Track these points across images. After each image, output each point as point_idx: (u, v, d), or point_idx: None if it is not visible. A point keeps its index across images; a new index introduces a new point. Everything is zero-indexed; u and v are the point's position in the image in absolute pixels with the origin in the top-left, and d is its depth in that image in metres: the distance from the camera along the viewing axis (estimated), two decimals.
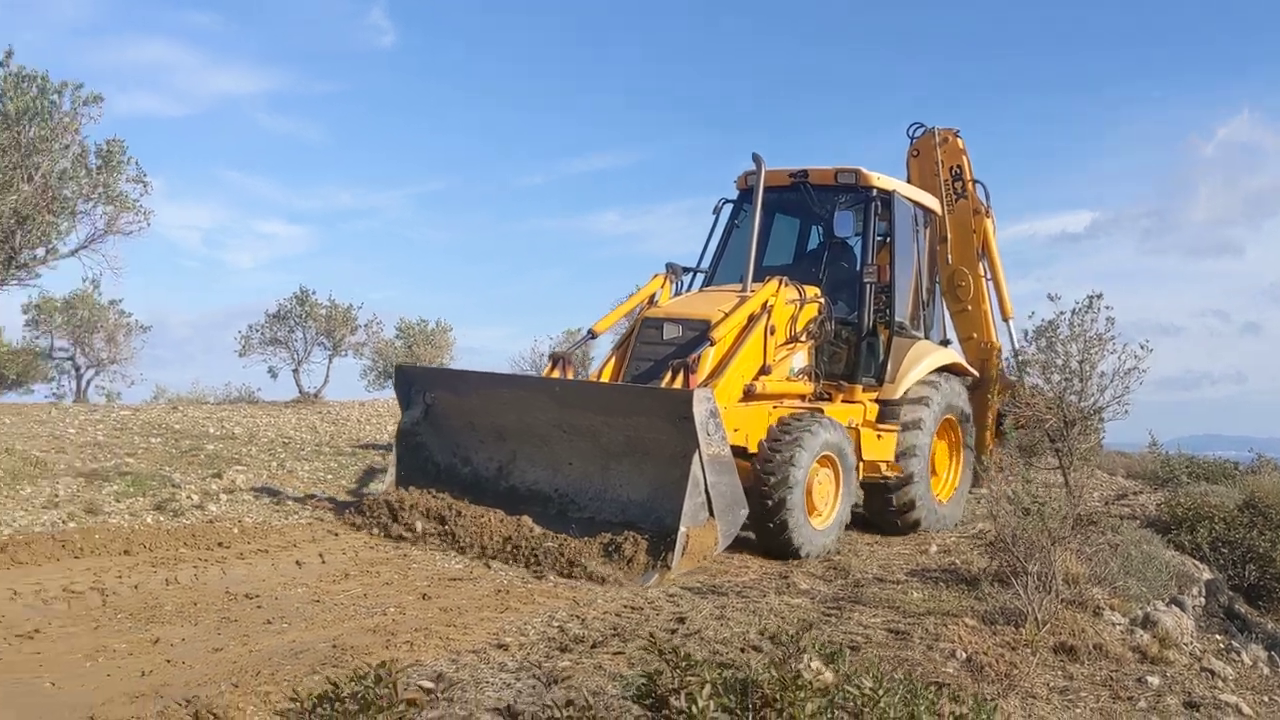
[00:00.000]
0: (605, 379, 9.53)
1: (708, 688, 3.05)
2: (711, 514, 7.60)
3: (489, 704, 4.54)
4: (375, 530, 8.53)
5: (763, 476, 8.44)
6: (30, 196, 9.67)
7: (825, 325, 10.05)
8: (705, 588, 7.37)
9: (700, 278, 11.12)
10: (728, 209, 11.35)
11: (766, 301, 9.45)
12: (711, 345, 8.93)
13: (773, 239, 11.38)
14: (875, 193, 10.44)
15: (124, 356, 22.83)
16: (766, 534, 8.61)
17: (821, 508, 9.01)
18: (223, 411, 16.01)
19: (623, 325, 11.08)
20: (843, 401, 10.16)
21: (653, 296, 10.26)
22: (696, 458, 7.45)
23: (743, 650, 5.51)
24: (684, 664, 3.11)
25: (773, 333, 9.41)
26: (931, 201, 11.82)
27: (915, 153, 13.19)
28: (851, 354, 10.32)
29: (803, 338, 9.85)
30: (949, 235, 12.70)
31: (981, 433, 12.32)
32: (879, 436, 10.14)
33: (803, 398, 9.84)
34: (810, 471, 8.69)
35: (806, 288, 9.94)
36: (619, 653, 5.50)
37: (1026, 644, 6.05)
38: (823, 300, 10.07)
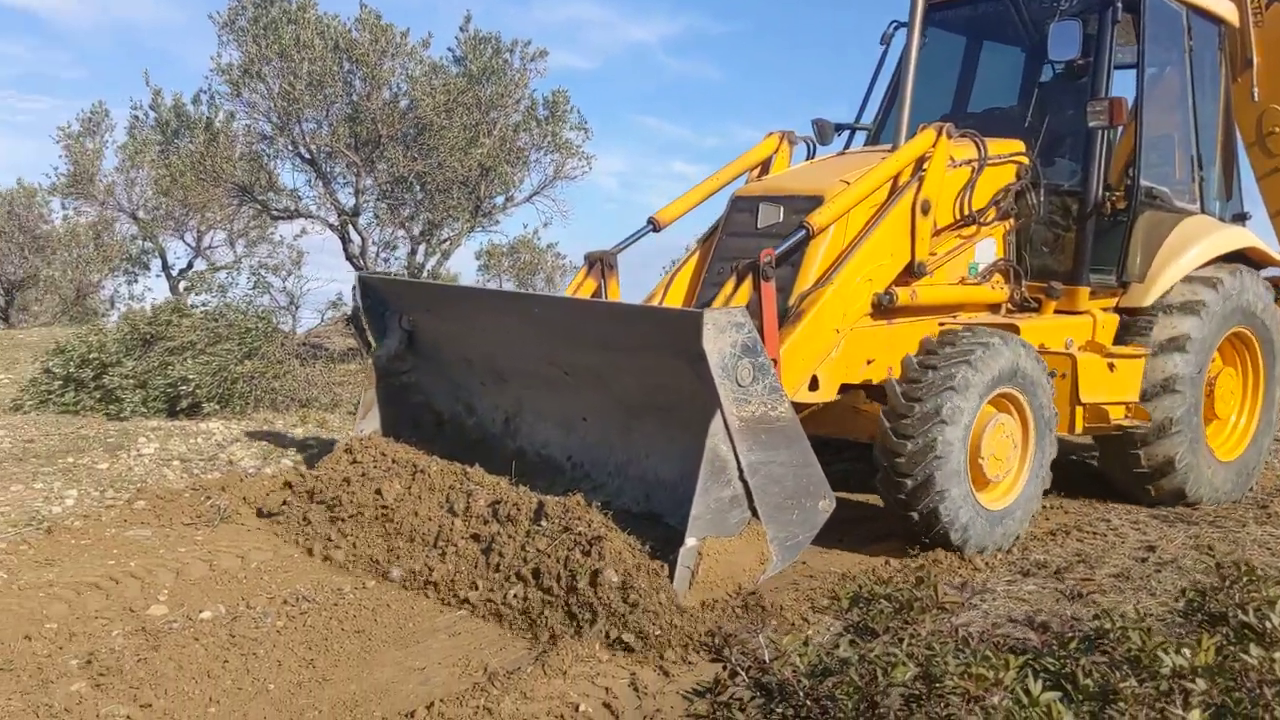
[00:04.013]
0: (678, 290, 6.58)
1: None
2: (755, 513, 4.59)
3: (1007, 614, 4.53)
4: None
5: (894, 441, 5.28)
6: (491, 149, 10.70)
7: (1029, 198, 6.55)
8: (1174, 516, 6.84)
9: (861, 139, 7.71)
10: (901, 37, 7.25)
11: (920, 160, 6.09)
12: (810, 236, 5.64)
13: (979, 81, 7.78)
14: None
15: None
16: (908, 525, 5.50)
17: (997, 477, 5.64)
18: None
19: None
20: (1056, 312, 6.65)
21: (765, 164, 6.95)
22: (718, 421, 4.49)
23: None
24: (1246, 577, 2.90)
25: (926, 211, 6.01)
26: (1219, 6, 7.55)
27: None
28: (1075, 240, 6.72)
29: (988, 218, 6.43)
30: (1255, 57, 8.24)
31: None
32: (1111, 366, 6.48)
33: (993, 308, 6.60)
34: (976, 422, 5.46)
35: (996, 141, 6.46)
36: (1087, 579, 5.26)
37: None
38: (1025, 160, 6.56)
